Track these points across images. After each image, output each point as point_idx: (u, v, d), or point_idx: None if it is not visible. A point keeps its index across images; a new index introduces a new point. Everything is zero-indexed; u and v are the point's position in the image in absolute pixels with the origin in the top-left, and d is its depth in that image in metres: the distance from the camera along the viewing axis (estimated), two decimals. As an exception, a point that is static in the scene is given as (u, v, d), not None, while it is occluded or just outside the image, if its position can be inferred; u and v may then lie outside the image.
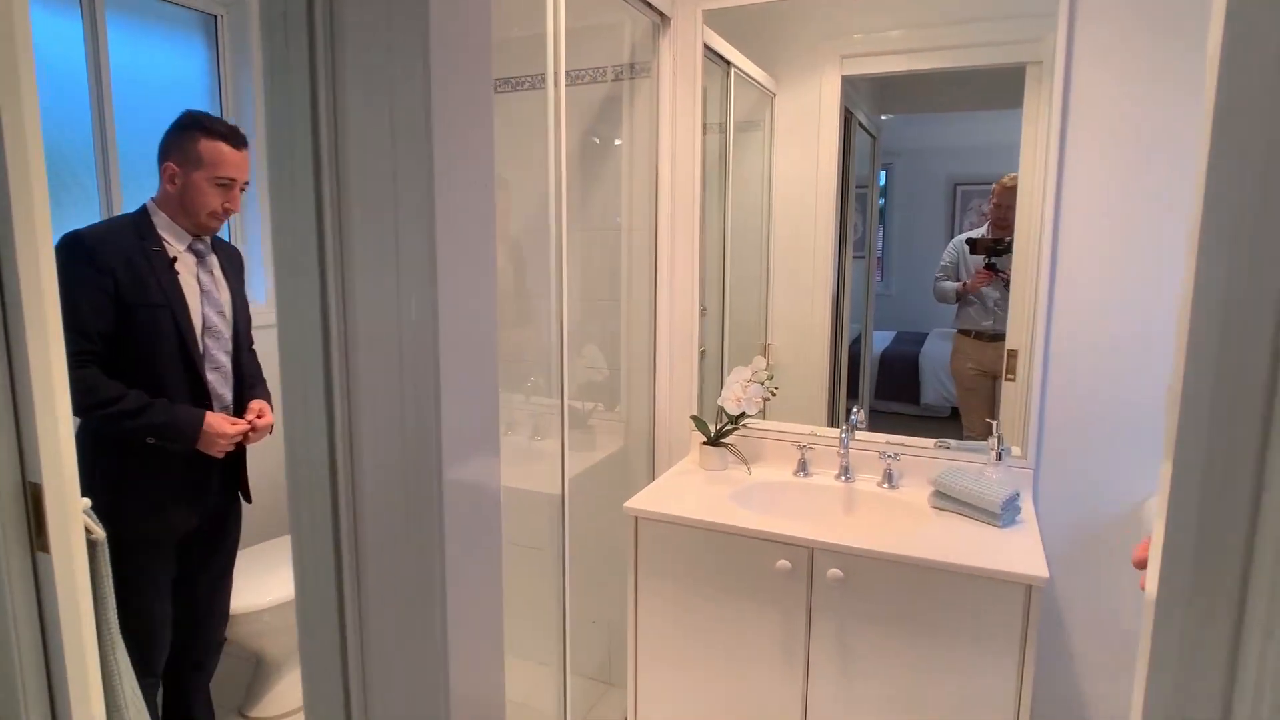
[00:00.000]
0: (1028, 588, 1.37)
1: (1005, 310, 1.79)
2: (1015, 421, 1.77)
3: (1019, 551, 1.44)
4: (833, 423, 1.99)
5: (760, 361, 1.99)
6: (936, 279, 1.91)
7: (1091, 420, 1.68)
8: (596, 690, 2.23)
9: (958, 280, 1.89)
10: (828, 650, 1.53)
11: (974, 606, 1.40)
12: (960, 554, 1.42)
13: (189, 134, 1.56)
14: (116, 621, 1.44)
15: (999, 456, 1.71)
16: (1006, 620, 1.39)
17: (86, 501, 1.43)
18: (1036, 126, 1.66)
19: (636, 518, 1.67)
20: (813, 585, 1.53)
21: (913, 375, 2.01)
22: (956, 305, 1.91)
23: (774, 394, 1.96)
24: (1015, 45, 1.70)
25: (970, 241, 1.86)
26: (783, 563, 1.53)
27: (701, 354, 2.09)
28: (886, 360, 2.03)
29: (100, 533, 1.44)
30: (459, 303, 0.83)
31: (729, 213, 2.07)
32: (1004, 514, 1.57)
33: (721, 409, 1.91)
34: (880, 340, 2.05)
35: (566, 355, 1.60)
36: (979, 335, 1.89)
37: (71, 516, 1.24)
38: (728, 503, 1.69)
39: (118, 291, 1.47)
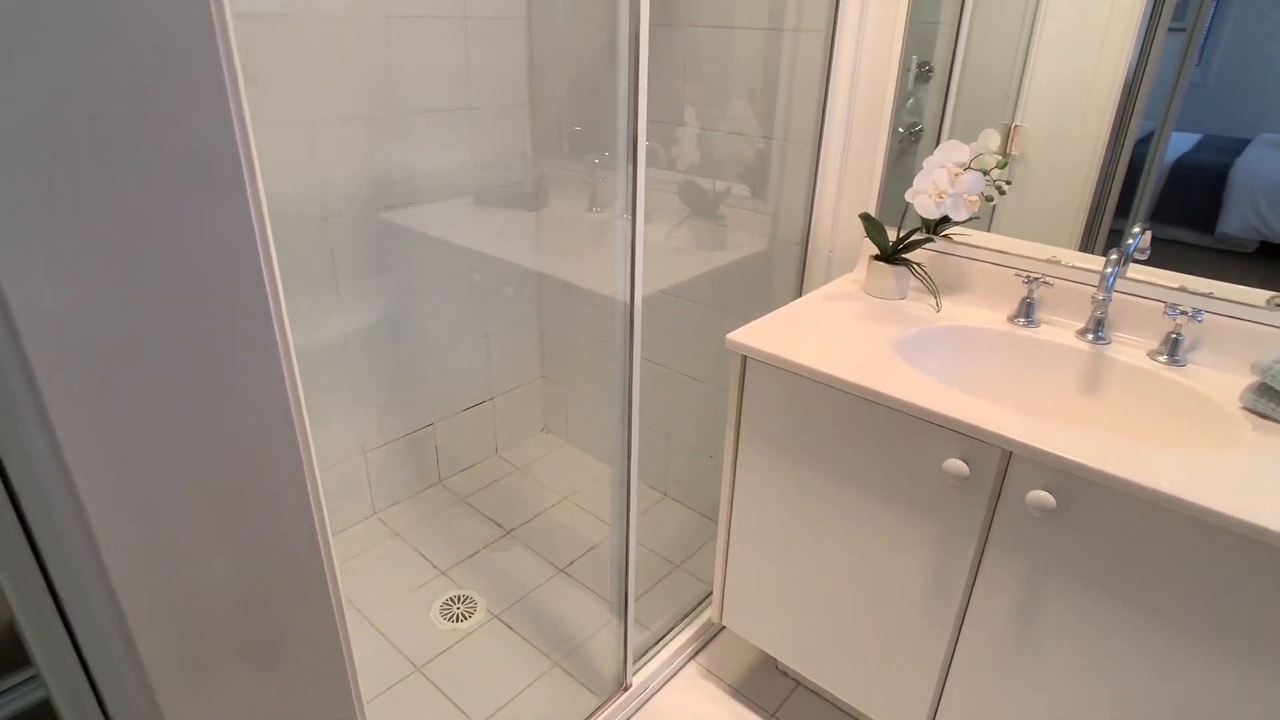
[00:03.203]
0: None
1: None
2: None
3: None
4: (1088, 247, 1.26)
5: (992, 138, 1.27)
6: None
7: None
8: (692, 521, 1.90)
9: None
10: (1002, 601, 1.00)
11: (1298, 607, 0.79)
12: (1299, 518, 0.77)
13: None
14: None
15: None
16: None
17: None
18: None
19: (745, 358, 1.16)
20: (997, 505, 0.97)
21: (1215, 193, 1.22)
22: None
23: (1003, 191, 1.26)
24: None
25: None
26: (954, 463, 0.97)
27: (917, 131, 1.39)
28: (1180, 170, 1.23)
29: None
30: None
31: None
32: (1404, 450, 0.86)
33: (909, 208, 1.25)
34: (1178, 145, 1.23)
35: (643, 100, 1.02)
36: None
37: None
38: (888, 353, 1.12)
39: None
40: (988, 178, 1.22)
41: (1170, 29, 1.18)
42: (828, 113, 1.39)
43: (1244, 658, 0.83)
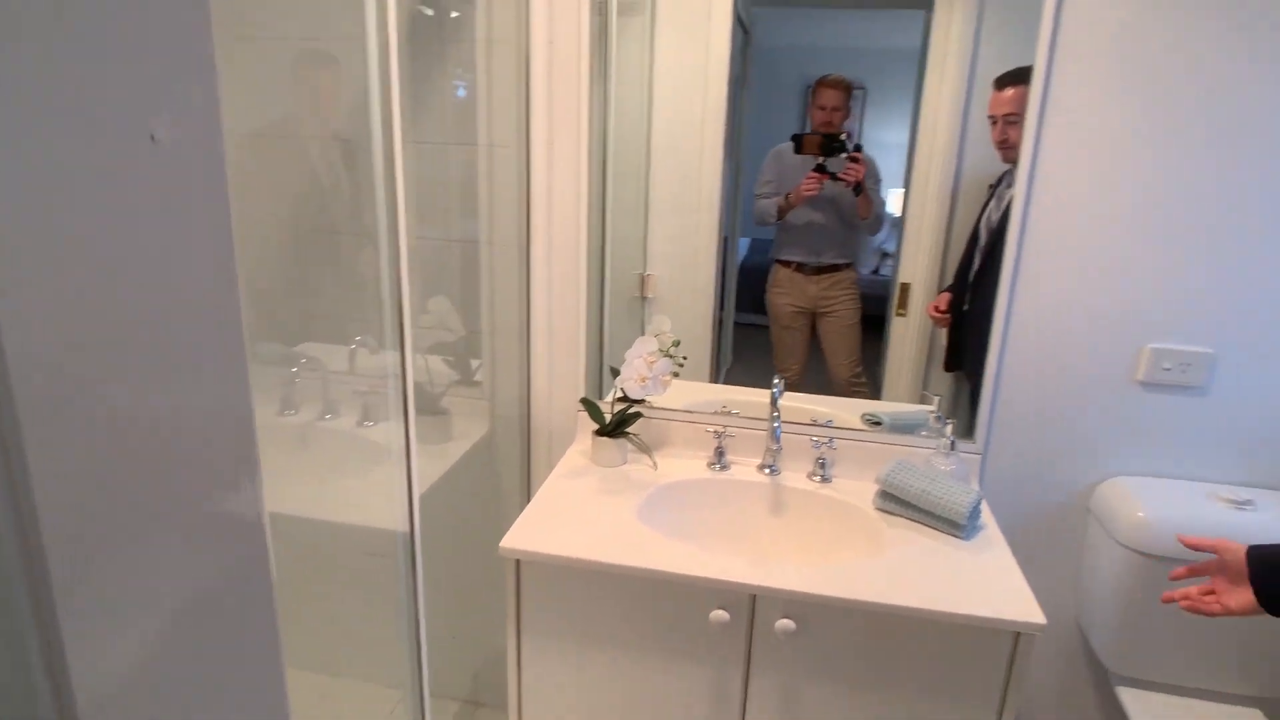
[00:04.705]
0: (1015, 635, 1.11)
1: (848, 236, 1.58)
2: (902, 372, 1.56)
3: (1000, 587, 1.17)
4: (716, 350, 1.65)
5: (664, 322, 1.57)
6: (756, 198, 1.61)
7: (1052, 393, 1.44)
8: (450, 711, 1.85)
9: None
10: (770, 710, 1.22)
11: (950, 655, 1.14)
12: (936, 595, 1.13)
13: None
14: None
15: (953, 446, 1.44)
16: (985, 671, 1.13)
17: None
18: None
19: (518, 561, 1.24)
20: (753, 636, 1.20)
21: (765, 285, 1.75)
22: (777, 230, 1.62)
23: (682, 365, 1.56)
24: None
25: (796, 138, 1.54)
26: (719, 613, 1.17)
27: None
28: (745, 271, 1.74)
29: None
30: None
31: (611, 117, 1.56)
32: (969, 523, 1.31)
33: (620, 390, 1.48)
34: (741, 249, 1.74)
35: (408, 311, 1.08)
36: (802, 268, 1.61)
37: None
38: (636, 524, 1.30)
39: None
40: (672, 360, 1.50)
41: (726, 158, 1.62)
42: (533, 304, 1.57)
43: (924, 700, 1.16)
